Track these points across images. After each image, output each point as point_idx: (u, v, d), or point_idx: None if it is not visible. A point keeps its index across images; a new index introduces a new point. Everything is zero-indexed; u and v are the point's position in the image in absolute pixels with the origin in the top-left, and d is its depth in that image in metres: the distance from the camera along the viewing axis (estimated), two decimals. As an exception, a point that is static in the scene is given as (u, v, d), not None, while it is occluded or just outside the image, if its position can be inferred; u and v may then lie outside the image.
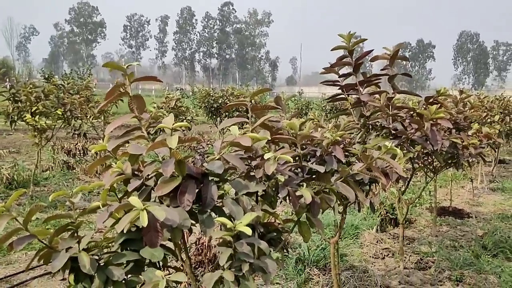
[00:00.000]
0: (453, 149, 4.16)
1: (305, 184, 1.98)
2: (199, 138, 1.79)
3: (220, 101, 12.42)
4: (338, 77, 3.24)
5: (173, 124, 1.68)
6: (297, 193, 2.00)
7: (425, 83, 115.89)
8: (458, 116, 4.49)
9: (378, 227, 5.89)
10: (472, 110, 5.17)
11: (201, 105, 12.96)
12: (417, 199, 6.81)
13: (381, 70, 3.34)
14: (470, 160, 5.26)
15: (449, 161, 4.58)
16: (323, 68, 3.28)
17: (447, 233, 5.96)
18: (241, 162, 1.71)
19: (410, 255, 5.04)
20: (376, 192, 6.59)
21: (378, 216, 6.10)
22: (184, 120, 9.60)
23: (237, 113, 11.67)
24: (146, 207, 1.45)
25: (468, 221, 6.57)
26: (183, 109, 9.75)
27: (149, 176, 1.72)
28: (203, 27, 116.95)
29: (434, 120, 3.27)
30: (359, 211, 3.44)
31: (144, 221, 1.41)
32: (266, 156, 1.81)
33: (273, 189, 1.94)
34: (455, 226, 6.31)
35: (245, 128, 2.28)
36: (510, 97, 10.64)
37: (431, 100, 3.55)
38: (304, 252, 4.67)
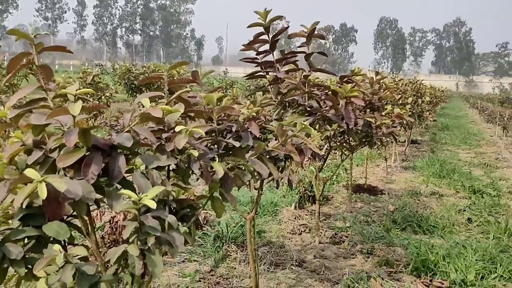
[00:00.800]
0: (367, 128, 4.32)
1: (217, 159, 1.97)
2: (104, 106, 1.71)
3: (141, 78, 12.08)
4: (256, 54, 3.25)
5: (77, 90, 1.59)
6: (212, 169, 1.98)
7: (347, 66, 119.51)
8: (374, 96, 4.65)
9: (297, 204, 6.03)
10: (387, 91, 5.38)
11: (121, 81, 12.54)
12: (333, 177, 7.05)
13: (298, 47, 3.38)
14: (384, 140, 5.48)
15: (364, 140, 4.75)
16: (242, 45, 3.27)
17: (361, 209, 6.22)
18: (151, 134, 1.66)
19: (326, 231, 5.21)
20: (295, 170, 6.73)
21: (297, 194, 6.25)
22: (103, 97, 9.27)
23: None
24: (44, 179, 1.37)
25: (381, 198, 6.90)
26: (102, 85, 9.40)
27: (53, 148, 1.63)
28: (125, 2, 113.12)
29: (349, 98, 3.36)
30: (277, 188, 3.50)
31: (42, 194, 1.34)
32: (177, 129, 1.77)
33: (186, 163, 1.91)
34: (369, 202, 6.60)
35: (160, 102, 2.22)
36: (422, 80, 11.23)
37: (345, 79, 3.65)
38: (222, 229, 4.69)
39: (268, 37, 3.13)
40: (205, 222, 5.02)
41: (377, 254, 4.52)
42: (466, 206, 6.49)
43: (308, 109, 3.18)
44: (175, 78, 2.26)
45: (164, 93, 2.15)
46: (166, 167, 1.88)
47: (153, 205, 1.47)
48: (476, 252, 4.41)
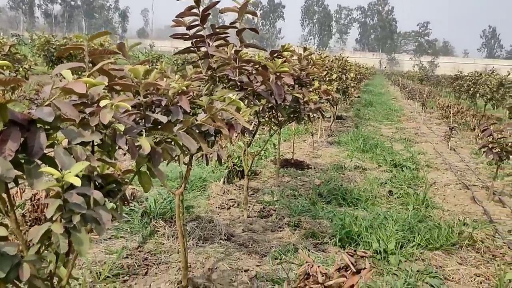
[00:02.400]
0: (295, 104, 4.37)
1: (144, 134, 1.91)
2: (23, 80, 1.61)
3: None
4: (186, 29, 3.18)
5: (-9, 64, 1.48)
6: (138, 143, 1.93)
7: (275, 42, 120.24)
8: (302, 72, 4.71)
9: (225, 179, 6.05)
10: (314, 67, 5.46)
11: (41, 53, 11.93)
12: (262, 152, 7.12)
13: (231, 23, 3.35)
14: (311, 115, 5.57)
15: (292, 115, 4.82)
16: (172, 21, 3.19)
17: (289, 183, 6.34)
18: (73, 109, 1.58)
19: (254, 205, 5.28)
20: (224, 146, 6.73)
21: (226, 169, 6.26)
22: (21, 69, 8.80)
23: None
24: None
25: (308, 172, 7.06)
26: (19, 56, 8.92)
27: (-35, 124, 1.51)
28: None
29: (279, 73, 3.38)
30: (207, 164, 3.49)
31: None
32: (102, 103, 1.69)
33: (112, 138, 1.84)
34: (296, 177, 6.74)
35: (82, 74, 2.11)
36: (348, 57, 11.52)
37: (276, 55, 3.66)
38: (150, 205, 4.62)
39: (199, 10, 3.07)
40: (132, 198, 4.93)
41: (304, 226, 4.64)
42: (388, 179, 6.80)
43: (239, 84, 3.16)
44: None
45: (85, 65, 2.05)
46: (91, 141, 1.81)
47: (77, 182, 1.40)
48: (397, 222, 4.64)
